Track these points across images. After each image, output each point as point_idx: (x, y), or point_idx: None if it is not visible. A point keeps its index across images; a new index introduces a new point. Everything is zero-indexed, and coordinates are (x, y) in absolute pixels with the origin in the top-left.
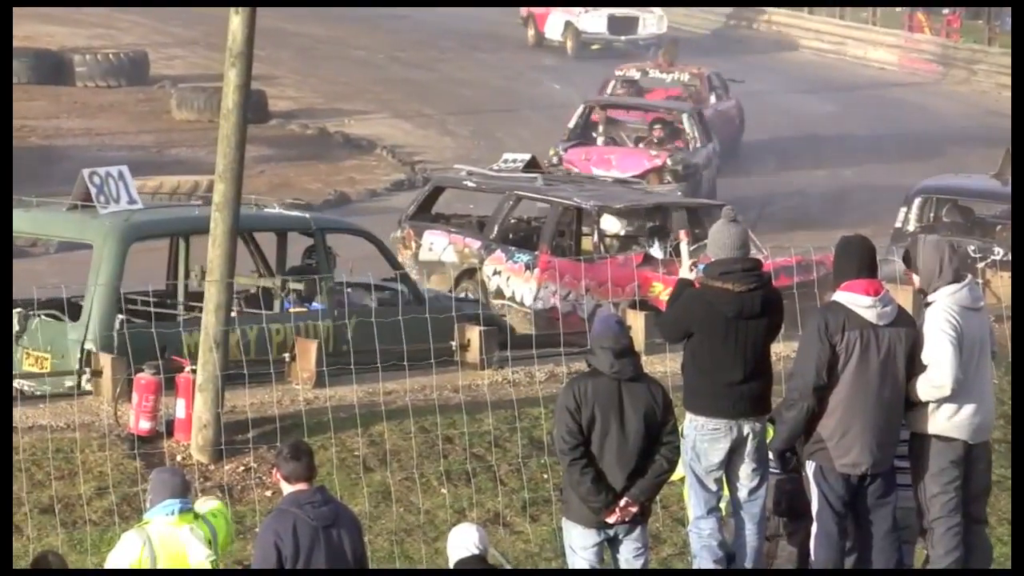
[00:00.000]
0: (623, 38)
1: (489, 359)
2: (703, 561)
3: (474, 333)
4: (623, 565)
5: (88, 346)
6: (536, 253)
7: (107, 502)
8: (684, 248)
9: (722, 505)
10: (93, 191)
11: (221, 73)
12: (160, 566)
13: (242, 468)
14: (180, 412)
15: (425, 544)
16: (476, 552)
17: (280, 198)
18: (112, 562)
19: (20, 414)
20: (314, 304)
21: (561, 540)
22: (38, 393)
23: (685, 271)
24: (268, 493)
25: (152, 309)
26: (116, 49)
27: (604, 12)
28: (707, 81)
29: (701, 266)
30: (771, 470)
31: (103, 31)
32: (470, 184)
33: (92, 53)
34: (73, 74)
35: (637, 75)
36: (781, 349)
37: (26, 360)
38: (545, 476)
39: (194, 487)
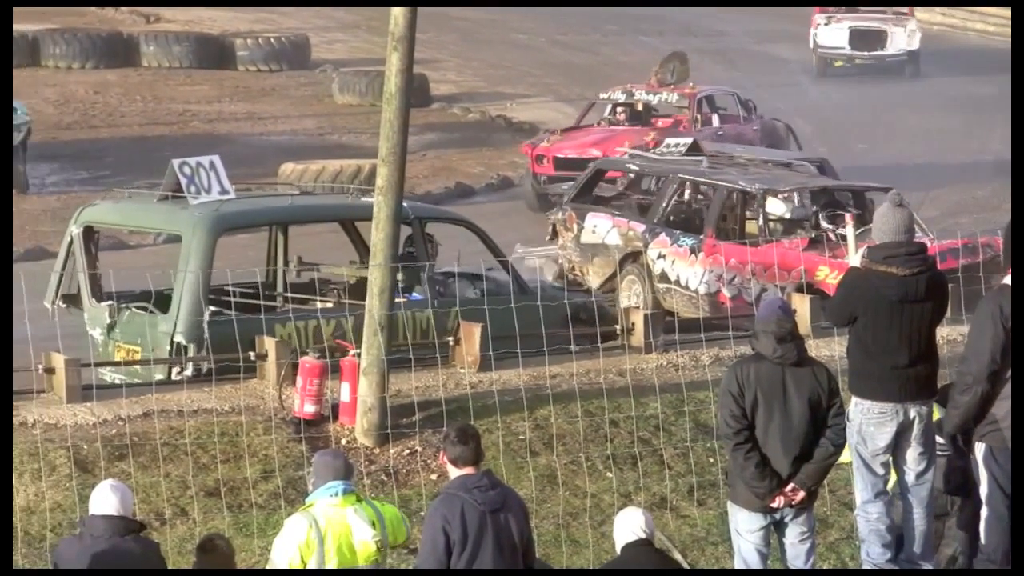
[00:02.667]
0: (867, 54)
1: (654, 343)
2: (871, 545)
3: (639, 317)
4: (788, 549)
5: (177, 338)
6: (701, 237)
7: (272, 485)
8: (850, 232)
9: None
10: (183, 182)
11: (383, 57)
12: (327, 546)
13: (407, 452)
14: (345, 396)
15: (591, 528)
16: (643, 536)
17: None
18: (280, 546)
19: (185, 397)
20: (414, 295)
21: (727, 524)
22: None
23: (852, 256)
24: (434, 477)
25: (244, 300)
26: (277, 33)
27: (846, 25)
28: (698, 103)
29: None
30: (939, 452)
31: (265, 15)
32: (633, 167)
33: (254, 37)
34: (235, 58)
35: (622, 96)
36: (947, 332)
37: (117, 354)
38: (711, 460)
39: (358, 470)
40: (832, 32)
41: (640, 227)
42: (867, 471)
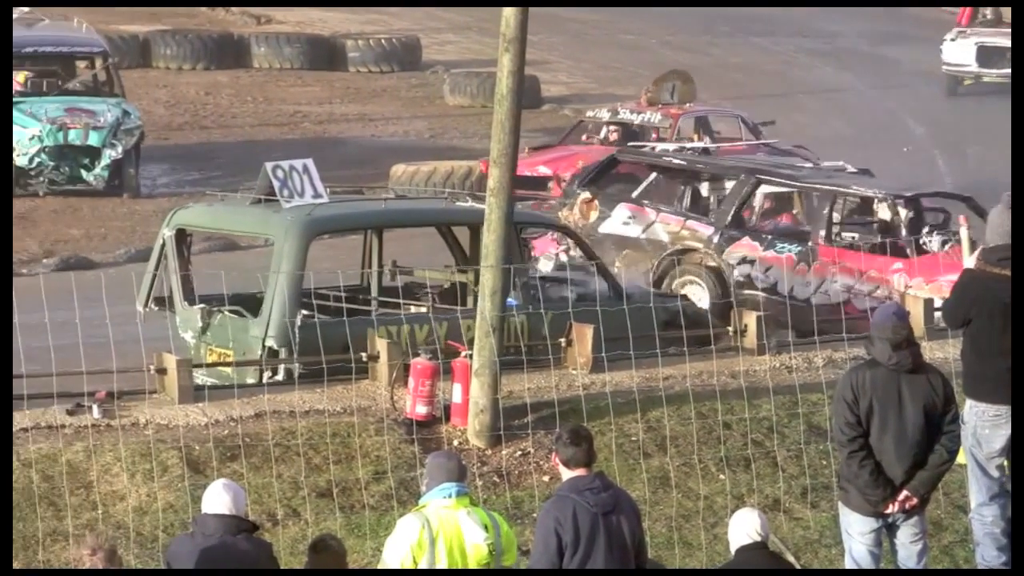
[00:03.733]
0: (995, 72)
1: (767, 344)
2: (986, 549)
3: (751, 318)
4: (900, 550)
5: (269, 342)
6: (809, 244)
7: (384, 486)
8: (964, 235)
9: None
10: (276, 185)
11: (494, 58)
12: (439, 548)
13: (519, 453)
14: (457, 397)
15: (704, 530)
16: (758, 539)
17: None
18: (392, 546)
19: (297, 398)
20: (508, 299)
21: (840, 526)
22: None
23: (967, 259)
24: (546, 478)
25: (337, 304)
26: (388, 34)
27: (972, 41)
28: (680, 125)
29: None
30: None
31: (376, 16)
32: (677, 162)
33: (365, 39)
34: (346, 60)
35: (607, 115)
36: None
37: (209, 357)
38: (824, 462)
39: (470, 472)
40: (959, 49)
41: (704, 228)
42: (982, 474)
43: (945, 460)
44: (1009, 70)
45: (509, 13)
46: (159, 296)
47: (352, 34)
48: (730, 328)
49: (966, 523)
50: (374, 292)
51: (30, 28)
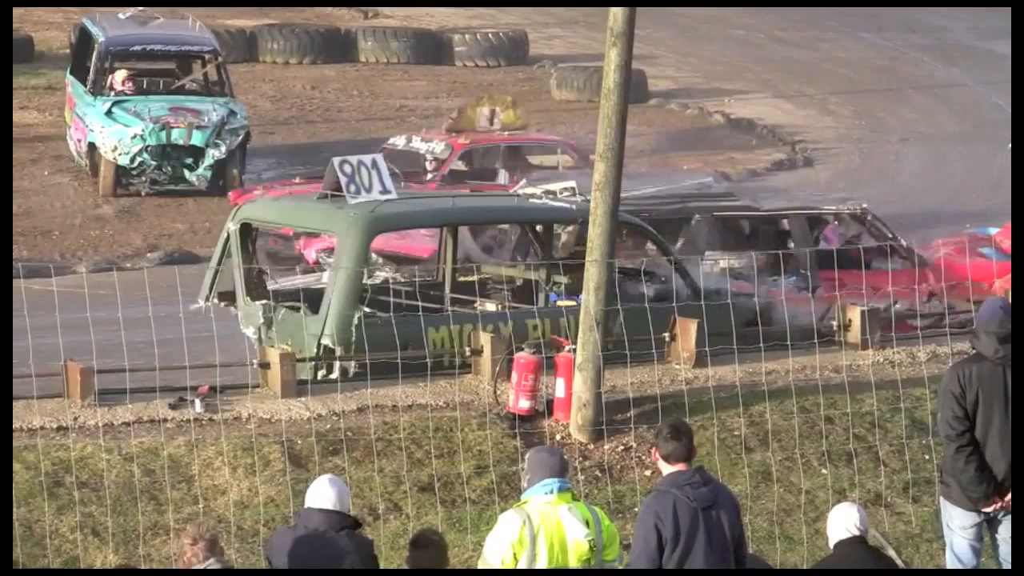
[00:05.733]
0: None
1: (871, 339)
2: None
3: (855, 313)
4: (1001, 545)
5: (325, 340)
6: (801, 271)
7: (486, 481)
8: None
9: None
10: (343, 180)
11: (601, 53)
12: (540, 544)
13: (621, 448)
14: (560, 391)
15: (805, 524)
16: (857, 533)
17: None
18: (492, 542)
19: (399, 392)
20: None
21: (941, 520)
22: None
23: None
24: (647, 473)
25: (403, 301)
26: (495, 29)
27: None
28: (461, 156)
29: None
30: None
31: (483, 10)
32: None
33: (472, 33)
34: (452, 54)
35: (402, 142)
36: None
37: None
38: (927, 457)
39: (572, 466)
40: None
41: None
42: None
43: None
44: None
45: (617, 8)
46: (224, 291)
47: (459, 28)
48: (834, 323)
49: None
50: (447, 289)
51: (143, 26)
